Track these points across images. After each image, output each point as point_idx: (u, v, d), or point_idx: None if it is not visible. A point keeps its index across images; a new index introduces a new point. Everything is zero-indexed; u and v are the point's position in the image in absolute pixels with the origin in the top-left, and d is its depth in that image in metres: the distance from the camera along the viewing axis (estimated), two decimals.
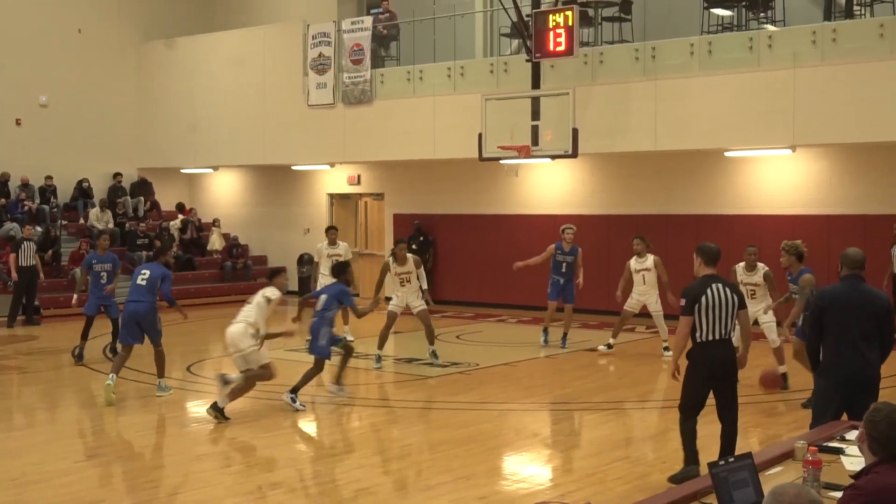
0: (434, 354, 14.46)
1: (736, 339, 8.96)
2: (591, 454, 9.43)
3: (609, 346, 15.47)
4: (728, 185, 19.22)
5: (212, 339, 18.92)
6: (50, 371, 14.95)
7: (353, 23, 21.87)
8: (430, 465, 8.98)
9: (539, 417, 11.55)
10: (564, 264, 15.75)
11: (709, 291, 7.88)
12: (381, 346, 14.38)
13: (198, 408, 12.25)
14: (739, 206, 19.04)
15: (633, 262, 15.13)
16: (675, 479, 7.84)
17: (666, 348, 14.95)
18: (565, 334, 16.00)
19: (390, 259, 14.57)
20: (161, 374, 12.43)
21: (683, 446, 8.10)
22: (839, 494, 4.39)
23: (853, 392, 7.26)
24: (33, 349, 17.04)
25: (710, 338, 7.88)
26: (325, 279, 15.20)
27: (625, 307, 15.22)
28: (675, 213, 19.54)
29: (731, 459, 4.63)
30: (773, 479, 4.97)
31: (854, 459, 5.36)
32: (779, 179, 18.72)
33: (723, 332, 7.93)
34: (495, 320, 19.92)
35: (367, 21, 21.81)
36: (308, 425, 11.35)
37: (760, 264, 12.72)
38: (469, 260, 22.15)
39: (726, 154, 18.50)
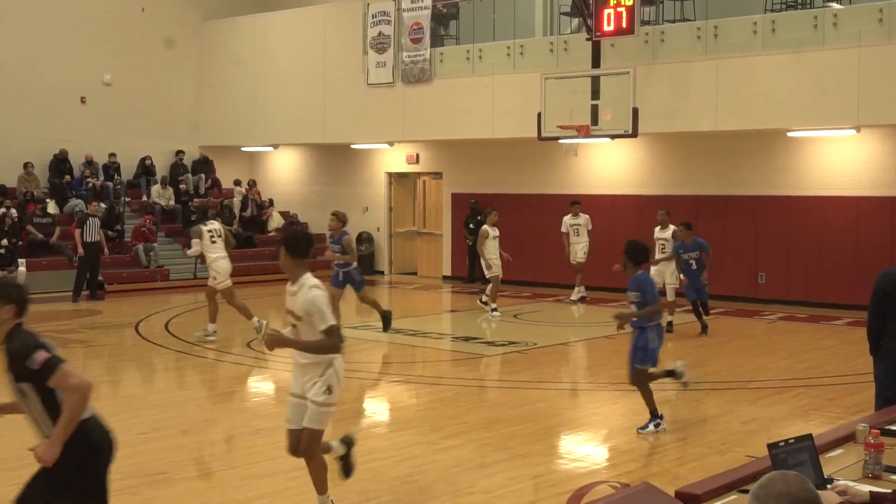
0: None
1: None
2: (649, 435, 9.39)
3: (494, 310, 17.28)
4: (790, 166, 18.96)
5: (270, 317, 19.11)
6: (113, 345, 15.22)
7: (412, 1, 21.87)
8: (486, 443, 9.00)
9: (596, 397, 11.52)
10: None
11: None
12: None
13: (258, 383, 12.42)
14: (801, 187, 18.78)
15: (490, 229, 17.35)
16: None
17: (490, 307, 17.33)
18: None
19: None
20: None
21: None
22: None
23: None
24: (97, 323, 17.35)
25: None
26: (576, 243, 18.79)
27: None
28: (736, 194, 19.34)
29: (792, 440, 4.58)
30: (834, 461, 4.93)
31: None
32: (842, 160, 18.43)
33: None
34: (553, 300, 19.88)
35: (427, 0, 21.80)
36: (365, 402, 11.45)
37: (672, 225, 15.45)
38: (527, 240, 22.07)
39: (789, 134, 18.24)
